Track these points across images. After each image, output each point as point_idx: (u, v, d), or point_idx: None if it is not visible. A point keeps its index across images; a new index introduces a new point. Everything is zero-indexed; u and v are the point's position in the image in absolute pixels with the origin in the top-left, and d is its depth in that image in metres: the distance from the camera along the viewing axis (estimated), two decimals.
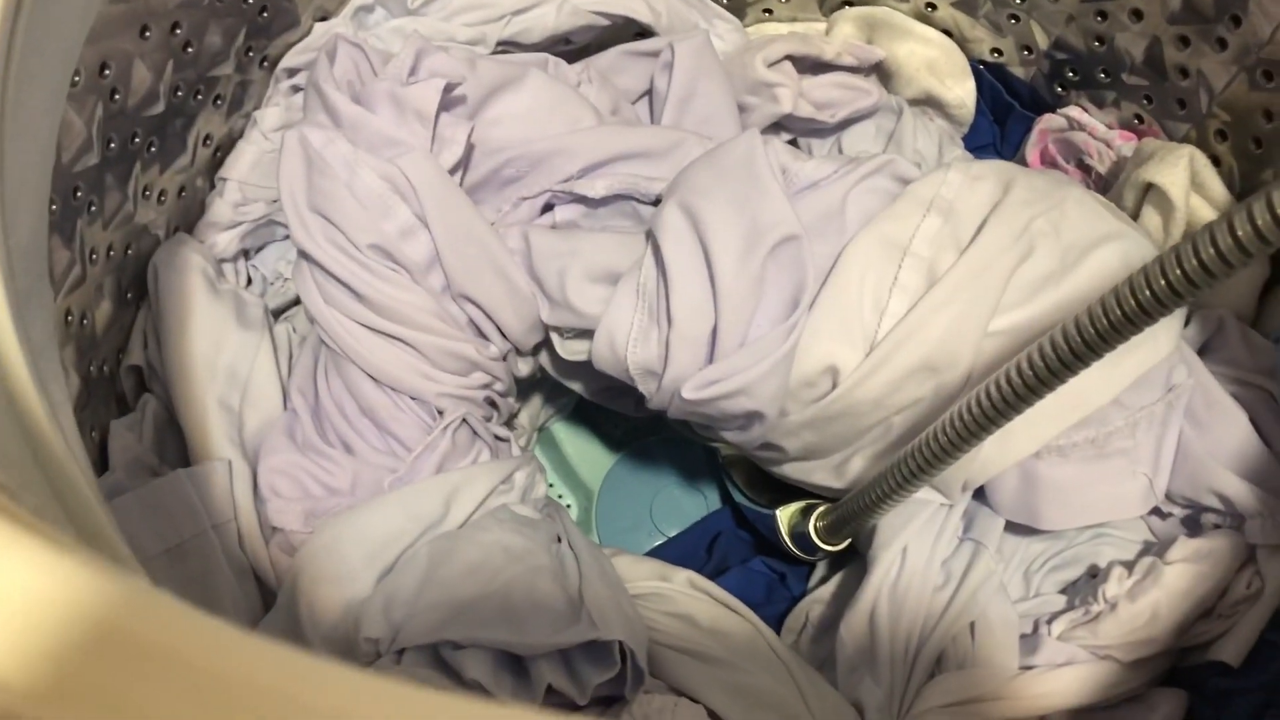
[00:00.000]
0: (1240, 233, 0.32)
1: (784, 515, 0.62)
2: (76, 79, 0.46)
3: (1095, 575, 0.55)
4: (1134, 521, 0.57)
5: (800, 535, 0.61)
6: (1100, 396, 0.52)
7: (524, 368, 0.62)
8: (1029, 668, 0.53)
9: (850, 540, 0.60)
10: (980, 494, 0.56)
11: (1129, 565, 0.53)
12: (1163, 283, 0.35)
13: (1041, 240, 0.52)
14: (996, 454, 0.53)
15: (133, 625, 0.21)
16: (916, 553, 0.54)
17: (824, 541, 0.60)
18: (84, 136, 0.48)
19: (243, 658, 0.21)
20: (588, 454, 0.78)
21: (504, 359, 0.60)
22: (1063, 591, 0.56)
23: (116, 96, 0.50)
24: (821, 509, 0.60)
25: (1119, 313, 0.36)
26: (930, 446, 0.46)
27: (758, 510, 0.64)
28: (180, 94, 0.55)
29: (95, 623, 0.21)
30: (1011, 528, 0.56)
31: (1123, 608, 0.51)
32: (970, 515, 0.56)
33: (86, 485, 0.32)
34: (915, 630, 0.54)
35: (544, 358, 0.63)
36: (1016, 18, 0.68)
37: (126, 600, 0.22)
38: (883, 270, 0.52)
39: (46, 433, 0.32)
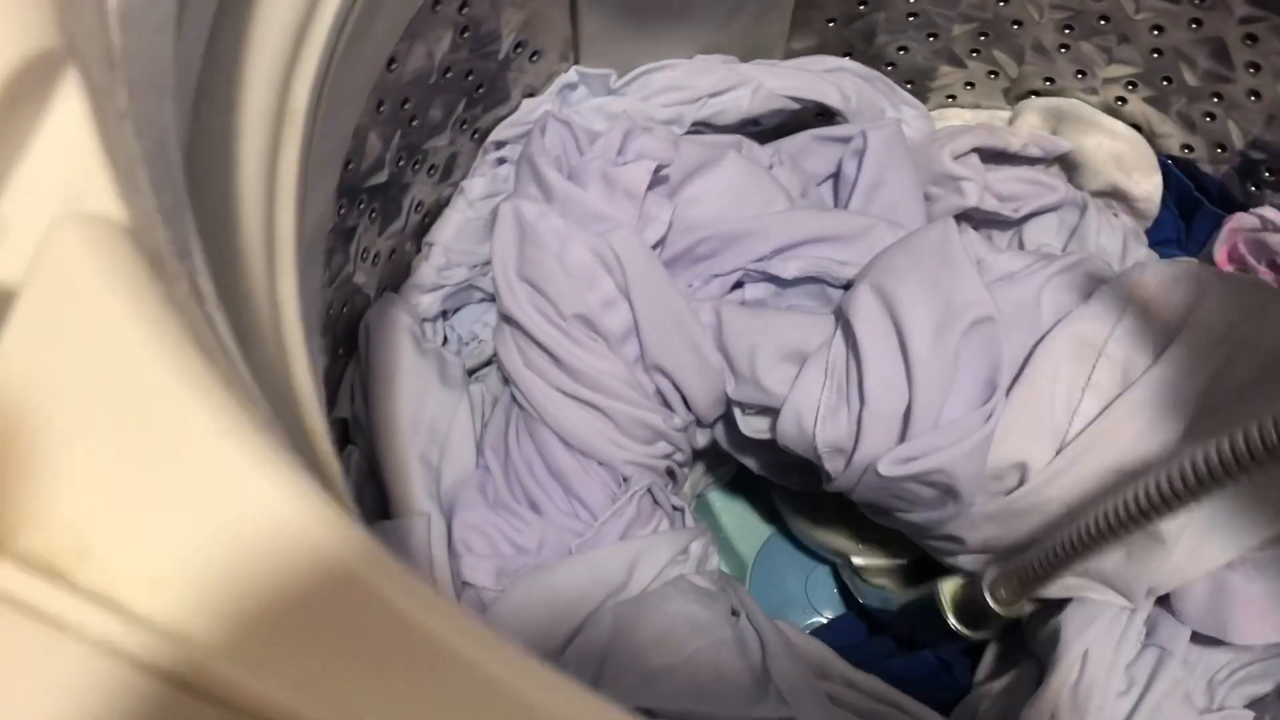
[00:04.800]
0: None
1: (947, 587, 0.62)
2: None
3: None
4: None
5: (968, 606, 0.60)
6: None
7: (701, 439, 0.64)
8: None
9: (1013, 620, 0.59)
10: (1164, 600, 0.55)
11: None
12: None
13: (1241, 348, 0.51)
14: (1185, 561, 0.52)
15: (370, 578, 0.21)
16: (1099, 656, 0.54)
17: (1001, 605, 0.58)
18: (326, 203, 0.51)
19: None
20: (744, 524, 0.78)
21: (685, 430, 0.61)
22: (1250, 705, 0.54)
23: (350, 165, 0.54)
24: (992, 576, 0.59)
25: None
26: (1124, 509, 0.46)
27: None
28: (401, 163, 0.59)
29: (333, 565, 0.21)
30: (1196, 633, 0.55)
31: None
32: (1154, 620, 0.55)
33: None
34: None
35: (718, 430, 0.64)
36: (1212, 115, 0.68)
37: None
38: (1076, 369, 0.52)
39: (315, 421, 0.33)
